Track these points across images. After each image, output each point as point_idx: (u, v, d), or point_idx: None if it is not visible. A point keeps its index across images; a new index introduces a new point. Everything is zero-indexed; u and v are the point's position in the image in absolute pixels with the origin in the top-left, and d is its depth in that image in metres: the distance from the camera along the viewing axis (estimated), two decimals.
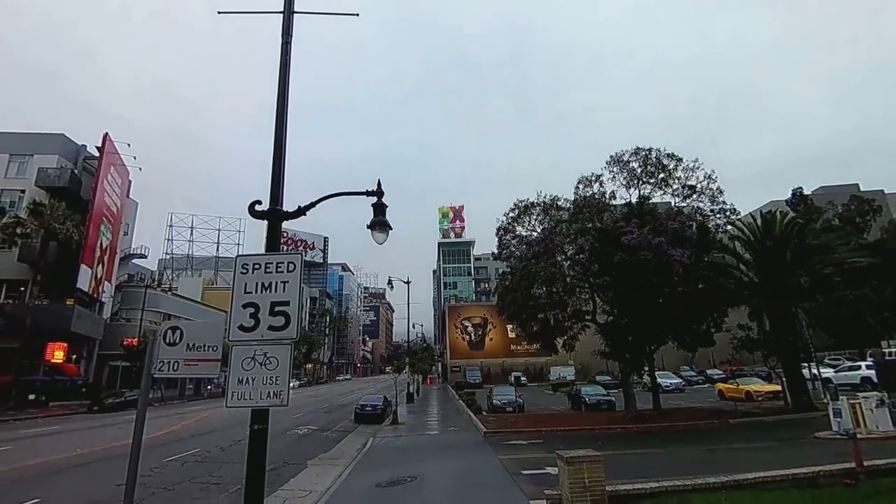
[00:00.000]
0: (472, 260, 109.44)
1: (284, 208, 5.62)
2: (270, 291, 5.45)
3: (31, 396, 33.20)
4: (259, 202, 5.42)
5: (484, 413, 25.34)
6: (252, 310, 5.44)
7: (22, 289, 35.82)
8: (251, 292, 5.47)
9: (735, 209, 20.74)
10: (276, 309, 5.43)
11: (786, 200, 45.21)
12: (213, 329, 3.17)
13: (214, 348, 3.12)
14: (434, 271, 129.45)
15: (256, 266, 5.51)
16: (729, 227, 21.60)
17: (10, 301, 35.05)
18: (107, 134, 38.31)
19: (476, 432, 19.35)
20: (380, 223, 5.50)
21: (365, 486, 11.29)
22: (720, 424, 18.54)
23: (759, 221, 21.92)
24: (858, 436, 11.00)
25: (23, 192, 37.01)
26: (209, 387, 57.40)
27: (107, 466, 13.66)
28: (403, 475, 11.90)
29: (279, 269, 5.48)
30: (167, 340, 3.09)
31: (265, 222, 5.76)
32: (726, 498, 7.75)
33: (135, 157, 42.30)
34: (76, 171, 38.89)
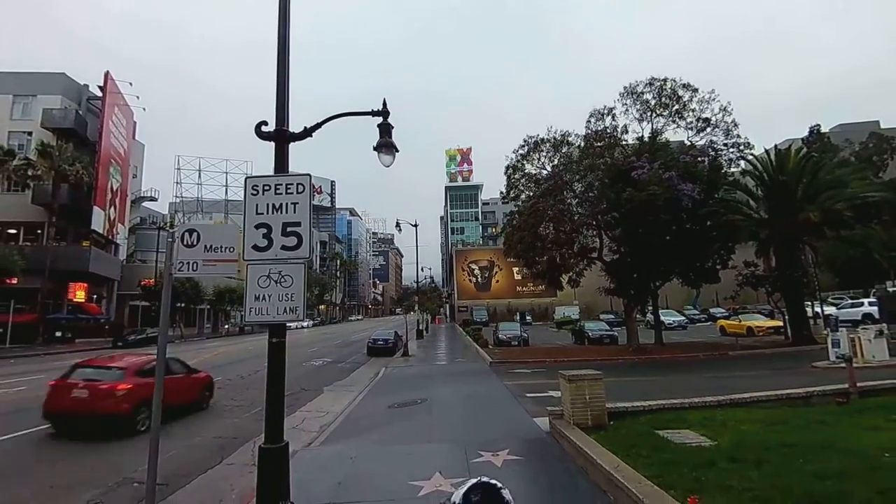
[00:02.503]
0: (479, 205, 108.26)
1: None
2: (281, 212, 5.61)
3: (58, 334, 34.76)
4: (265, 123, 5.45)
5: (490, 347, 26.24)
6: (265, 230, 5.63)
7: (39, 231, 36.53)
8: (262, 213, 5.62)
9: (749, 143, 20.33)
10: (289, 230, 5.61)
11: (802, 139, 43.91)
12: (229, 231, 3.33)
13: (230, 249, 3.30)
14: (441, 217, 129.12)
15: (266, 187, 5.63)
16: (742, 161, 21.25)
17: (28, 243, 35.86)
18: (108, 72, 37.61)
19: (483, 362, 20.18)
20: (386, 144, 5.54)
21: (379, 407, 11.98)
22: (720, 356, 19.10)
23: (772, 156, 21.48)
24: (855, 364, 11.35)
25: (30, 133, 36.89)
26: (226, 326, 59.49)
27: None
28: (415, 398, 12.58)
29: (289, 191, 5.60)
30: (185, 242, 3.26)
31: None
32: (721, 414, 8.17)
33: (138, 97, 41.74)
34: (80, 112, 38.49)
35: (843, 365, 12.19)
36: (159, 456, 8.12)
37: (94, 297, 40.00)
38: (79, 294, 37.23)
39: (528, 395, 12.14)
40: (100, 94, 38.19)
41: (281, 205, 5.61)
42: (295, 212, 5.60)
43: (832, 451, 5.71)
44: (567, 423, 8.04)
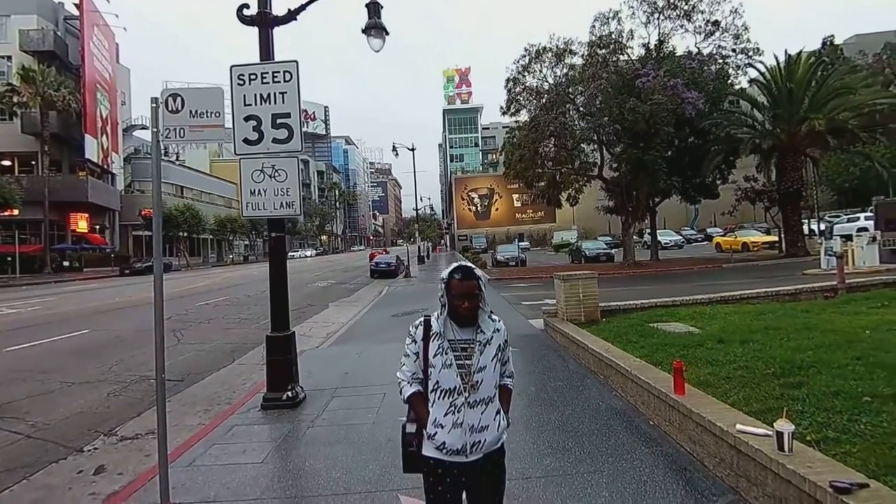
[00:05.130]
0: (479, 129, 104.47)
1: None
2: (270, 103, 5.49)
3: (66, 263, 35.38)
4: (246, 6, 5.19)
5: (488, 267, 26.72)
6: (254, 122, 5.54)
7: (33, 163, 36.03)
8: (251, 105, 5.52)
9: (759, 48, 19.42)
10: (279, 121, 5.52)
11: (813, 51, 41.77)
12: (213, 95, 3.26)
13: (216, 114, 3.23)
14: (440, 145, 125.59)
15: (253, 76, 5.48)
16: (749, 69, 20.40)
17: (24, 175, 35.47)
18: None
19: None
20: (375, 26, 5.30)
21: (383, 316, 12.44)
22: (714, 268, 19.43)
23: (781, 63, 20.56)
24: (845, 271, 11.50)
25: (9, 58, 35.38)
26: (231, 256, 60.26)
27: (143, 310, 14.95)
28: (417, 308, 12.99)
29: (276, 79, 5.45)
30: (170, 108, 3.19)
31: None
32: (711, 309, 8.43)
33: (117, 16, 39.58)
34: (59, 34, 36.63)
35: (833, 272, 12.43)
36: (173, 358, 8.59)
37: (97, 227, 40.21)
38: (80, 224, 37.39)
39: (524, 303, 12.55)
40: (76, 12, 36.11)
41: (269, 94, 5.48)
42: (284, 102, 5.49)
43: (815, 331, 5.94)
44: (561, 320, 8.36)
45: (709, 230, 44.84)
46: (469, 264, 2.05)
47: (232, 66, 5.42)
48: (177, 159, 55.75)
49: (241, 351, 9.24)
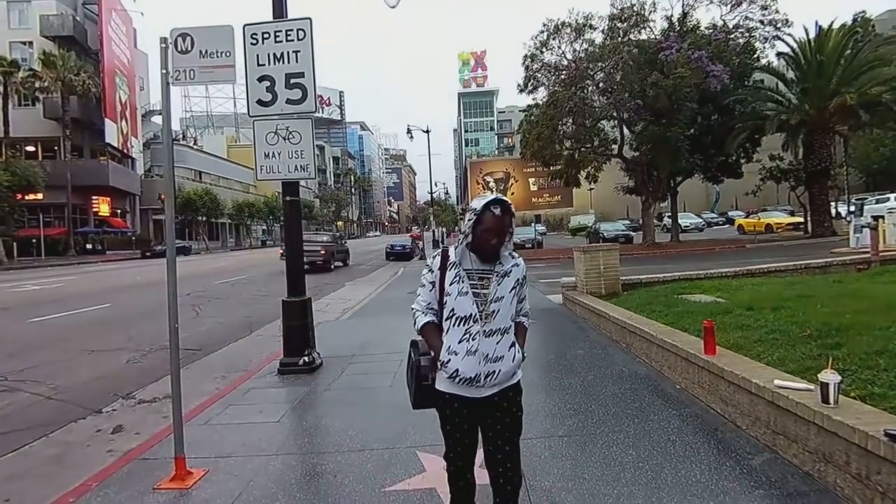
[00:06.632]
0: (495, 113, 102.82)
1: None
2: (283, 63, 5.36)
3: (89, 246, 36.12)
4: None
5: None
6: (268, 83, 5.42)
7: (56, 148, 36.59)
8: (264, 64, 5.39)
9: (788, 20, 18.54)
10: (292, 81, 5.39)
11: (843, 25, 40.12)
12: (223, 34, 3.12)
13: (227, 54, 3.10)
14: (455, 130, 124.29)
15: (266, 35, 5.35)
16: (777, 41, 19.53)
17: (47, 159, 36.08)
18: None
19: None
20: None
21: (399, 294, 12.39)
22: (736, 248, 18.92)
23: (810, 35, 19.66)
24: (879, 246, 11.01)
25: (30, 44, 35.87)
26: (249, 240, 60.95)
27: (163, 287, 14.89)
28: None
29: (289, 38, 5.31)
30: (179, 48, 3.06)
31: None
32: (738, 281, 8.14)
33: (134, 0, 39.61)
34: (78, 19, 36.96)
35: (863, 249, 11.95)
36: (192, 330, 8.63)
37: (118, 211, 40.90)
38: (103, 208, 38.05)
39: (541, 281, 12.42)
40: None
41: (282, 54, 5.35)
42: (297, 61, 5.35)
43: (850, 298, 5.64)
44: (580, 293, 8.17)
45: (730, 213, 43.73)
46: (506, 198, 1.97)
47: (245, 25, 5.29)
48: (195, 144, 56.31)
49: (259, 324, 9.27)
